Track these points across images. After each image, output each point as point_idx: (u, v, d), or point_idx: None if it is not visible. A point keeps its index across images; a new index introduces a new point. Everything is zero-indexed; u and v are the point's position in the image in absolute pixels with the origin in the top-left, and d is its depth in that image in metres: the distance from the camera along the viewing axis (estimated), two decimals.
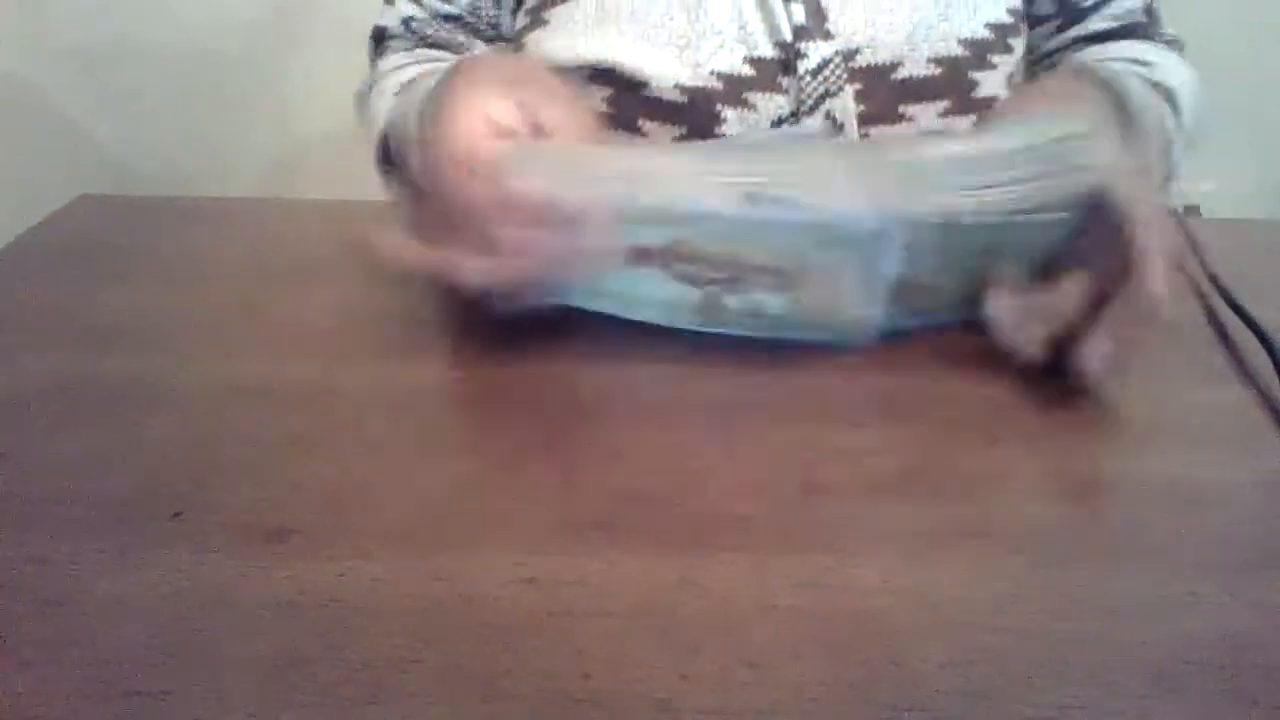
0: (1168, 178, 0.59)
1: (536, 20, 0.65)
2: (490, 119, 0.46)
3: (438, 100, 0.48)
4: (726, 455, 0.40)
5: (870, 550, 0.35)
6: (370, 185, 0.72)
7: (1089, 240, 0.43)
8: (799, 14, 0.60)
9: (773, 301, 0.45)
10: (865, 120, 0.60)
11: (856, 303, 0.45)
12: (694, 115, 0.61)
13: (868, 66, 0.61)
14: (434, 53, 0.70)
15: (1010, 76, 0.65)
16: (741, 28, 0.60)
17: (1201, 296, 0.51)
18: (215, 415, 0.42)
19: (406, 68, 0.67)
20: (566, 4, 0.63)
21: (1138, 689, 0.30)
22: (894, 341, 0.47)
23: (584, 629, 0.32)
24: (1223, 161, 0.71)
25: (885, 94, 0.60)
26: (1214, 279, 0.50)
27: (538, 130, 0.47)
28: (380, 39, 0.72)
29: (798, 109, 0.60)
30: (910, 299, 0.45)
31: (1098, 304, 0.42)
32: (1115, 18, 0.69)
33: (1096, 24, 0.70)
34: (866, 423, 0.42)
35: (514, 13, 0.70)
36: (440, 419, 0.42)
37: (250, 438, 0.41)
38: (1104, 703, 0.29)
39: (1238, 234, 0.60)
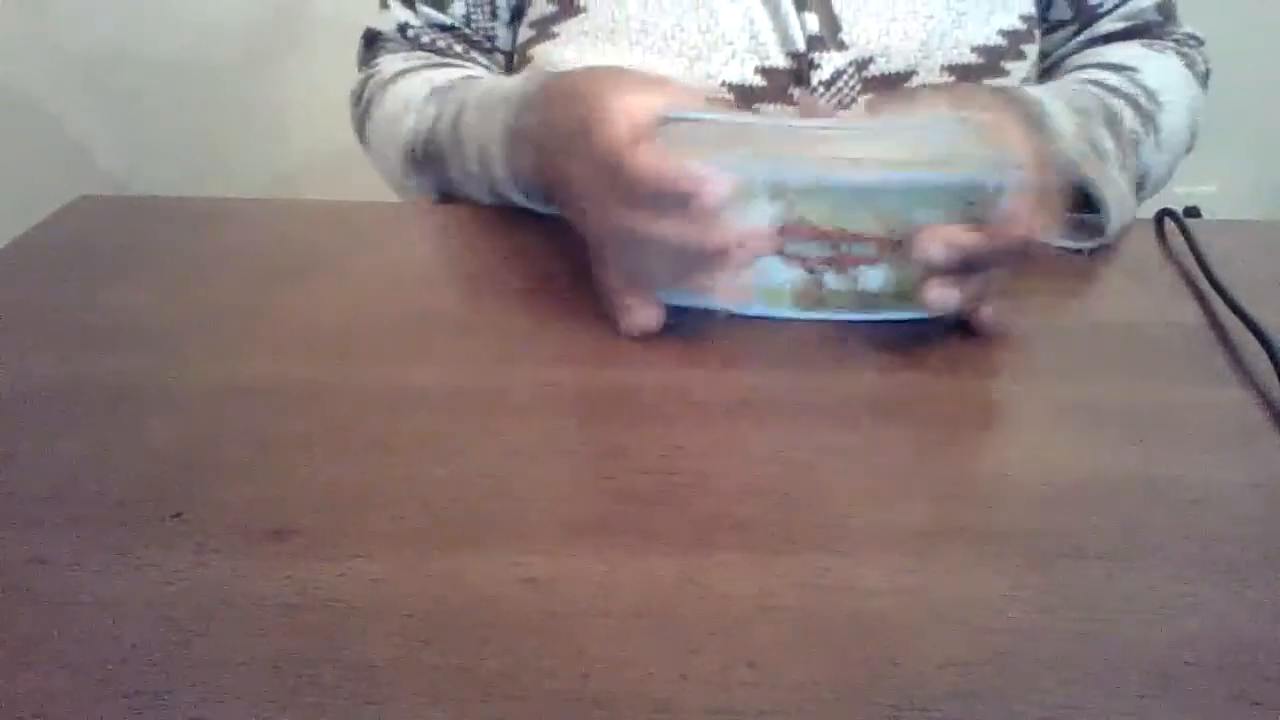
0: (1138, 175, 0.59)
1: (544, 33, 0.64)
2: (645, 107, 0.46)
3: (572, 96, 0.49)
4: (726, 455, 0.40)
5: (870, 550, 0.35)
6: (369, 186, 0.72)
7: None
8: (813, 24, 0.60)
9: (873, 276, 0.47)
10: None
11: None
12: None
13: (881, 75, 0.60)
14: (436, 57, 0.70)
15: (1024, 82, 0.65)
16: (753, 38, 0.60)
17: (1201, 297, 0.51)
18: (215, 415, 0.42)
19: (419, 70, 0.67)
20: (576, 17, 0.63)
21: (1138, 689, 0.30)
22: (894, 341, 0.47)
23: (584, 629, 0.32)
24: (1223, 162, 0.71)
25: None
26: (1214, 279, 0.50)
27: None
28: (372, 42, 0.72)
29: None
30: None
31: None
32: (1126, 18, 0.69)
33: (1106, 26, 0.69)
34: (865, 423, 0.42)
35: (510, 25, 0.70)
36: (440, 419, 0.42)
37: (250, 438, 0.41)
38: (1104, 703, 0.29)
39: (1238, 234, 0.60)
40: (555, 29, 0.64)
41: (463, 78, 0.64)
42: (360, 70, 0.72)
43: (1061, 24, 0.71)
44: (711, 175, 0.42)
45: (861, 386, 0.44)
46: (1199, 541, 0.35)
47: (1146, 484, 0.38)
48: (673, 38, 0.60)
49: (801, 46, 0.60)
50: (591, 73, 0.50)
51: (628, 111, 0.45)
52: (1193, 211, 0.69)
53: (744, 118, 0.53)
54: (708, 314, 0.47)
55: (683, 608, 0.33)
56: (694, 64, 0.60)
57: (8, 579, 0.34)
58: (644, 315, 0.47)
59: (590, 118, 0.46)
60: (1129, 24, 0.70)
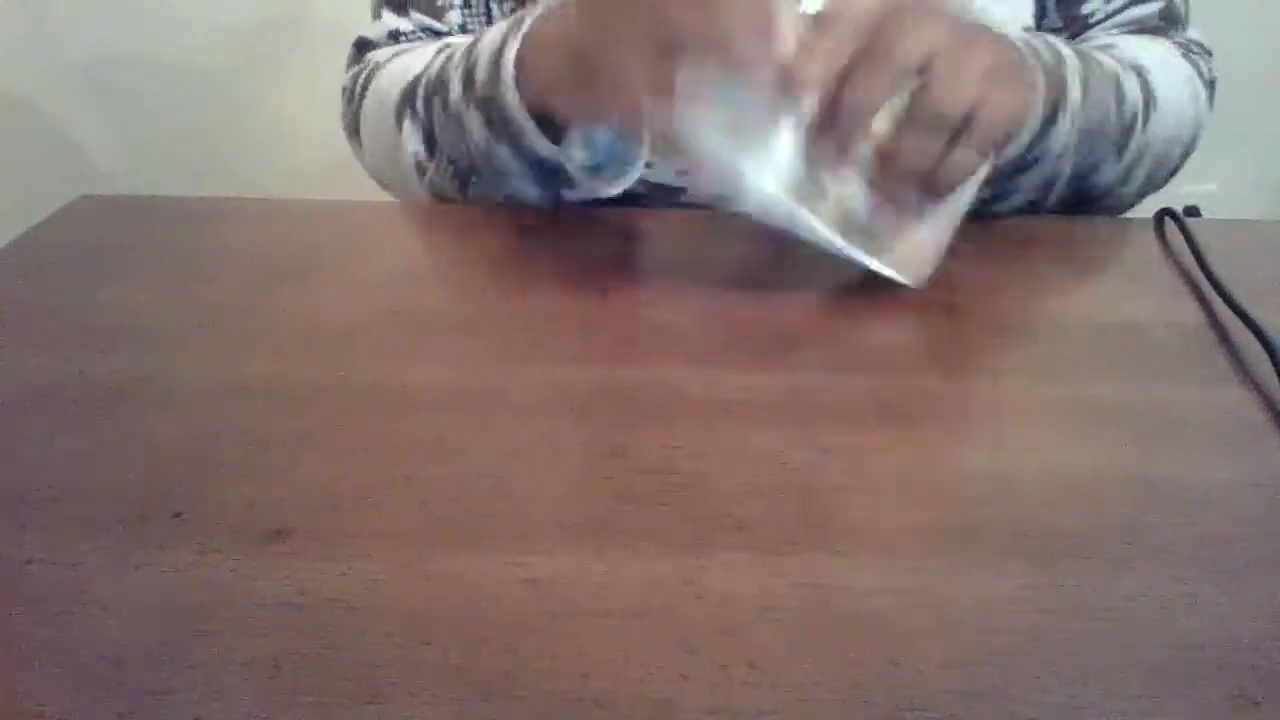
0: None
1: None
2: None
3: None
4: (726, 455, 0.40)
5: (870, 550, 0.35)
6: (369, 186, 0.72)
7: None
8: None
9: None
10: None
11: None
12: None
13: None
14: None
15: None
16: None
17: (1201, 297, 0.51)
18: (215, 415, 0.42)
19: (414, 48, 0.67)
20: None
21: (1138, 689, 0.30)
22: (894, 341, 0.47)
23: (584, 629, 0.32)
24: (1223, 161, 0.71)
25: None
26: (1214, 279, 0.50)
27: None
28: (363, 48, 0.72)
29: None
30: None
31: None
32: (1120, 25, 0.69)
33: (1101, 38, 0.69)
34: (866, 423, 0.42)
35: None
36: (440, 419, 0.42)
37: (250, 438, 0.41)
38: (1104, 703, 0.29)
39: (1238, 234, 0.60)
40: None
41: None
42: (349, 70, 0.72)
43: (1053, 32, 0.70)
44: None
45: (861, 386, 0.44)
46: (1199, 541, 0.35)
47: (1146, 484, 0.38)
48: None
49: None
50: None
51: None
52: (1193, 211, 0.69)
53: None
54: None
55: (683, 608, 0.33)
56: None
57: (8, 579, 0.34)
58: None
59: None
60: (1124, 31, 0.69)
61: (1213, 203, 0.72)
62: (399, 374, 0.45)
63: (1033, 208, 0.60)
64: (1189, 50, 0.69)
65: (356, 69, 0.71)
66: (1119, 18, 0.68)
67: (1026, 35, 0.54)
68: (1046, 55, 0.54)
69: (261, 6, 1.48)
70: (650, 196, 0.62)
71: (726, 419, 0.42)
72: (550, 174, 0.57)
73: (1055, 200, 0.60)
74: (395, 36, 0.70)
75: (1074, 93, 0.54)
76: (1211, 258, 0.52)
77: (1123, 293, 0.53)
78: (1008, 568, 0.34)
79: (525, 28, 0.54)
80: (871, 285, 0.50)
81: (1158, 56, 0.64)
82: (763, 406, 0.42)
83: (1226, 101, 0.72)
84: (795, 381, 0.44)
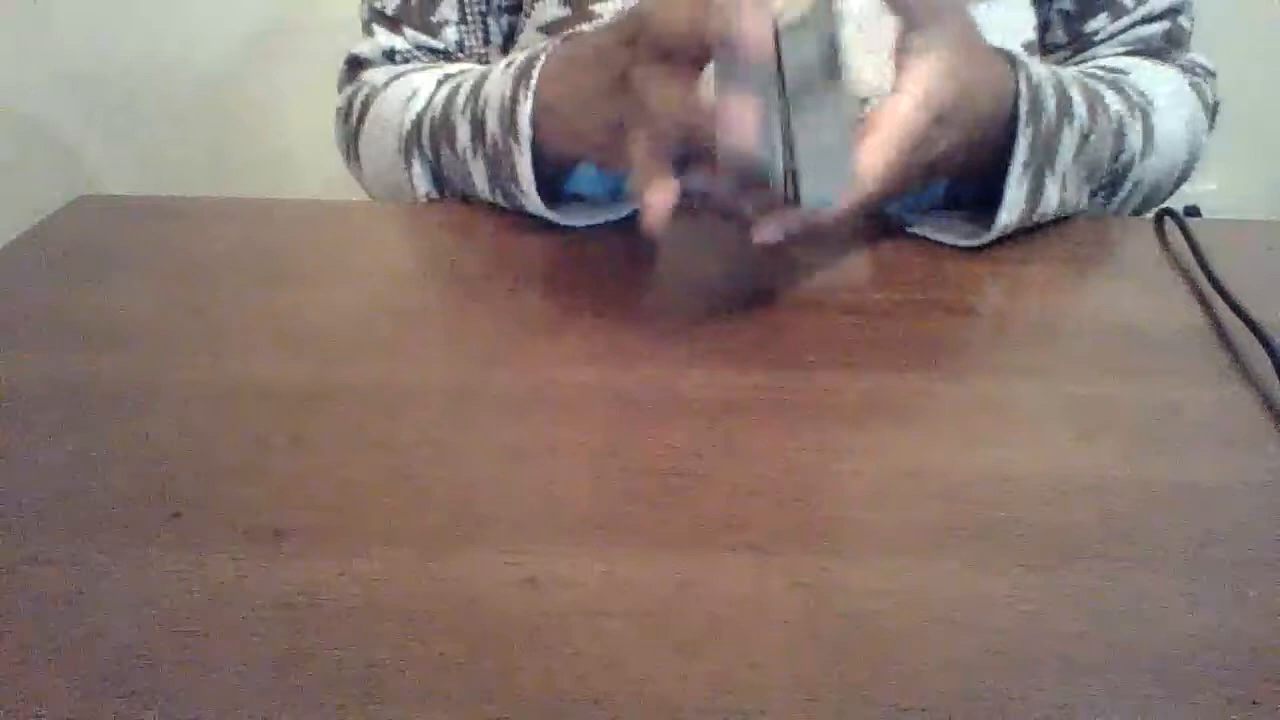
0: (1120, 163, 0.59)
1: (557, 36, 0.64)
2: None
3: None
4: (726, 455, 0.40)
5: (870, 550, 0.35)
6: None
7: None
8: None
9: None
10: None
11: None
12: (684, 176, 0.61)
13: None
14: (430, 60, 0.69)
15: None
16: None
17: (1201, 297, 0.51)
18: (215, 415, 0.42)
19: (421, 70, 0.67)
20: (590, 22, 0.62)
21: (1138, 689, 0.30)
22: (894, 341, 0.47)
23: (583, 629, 0.32)
24: (1223, 161, 0.71)
25: None
26: (1214, 279, 0.50)
27: None
28: (355, 66, 0.71)
29: None
30: None
31: None
32: (1124, 44, 0.69)
33: (1105, 53, 0.69)
34: (866, 423, 0.42)
35: (503, 48, 0.69)
36: (440, 418, 0.42)
37: (250, 438, 0.41)
38: (1104, 702, 0.29)
39: (1238, 234, 0.60)
40: (568, 33, 0.63)
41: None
42: (342, 90, 0.72)
43: (1057, 47, 0.70)
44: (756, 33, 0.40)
45: (861, 386, 0.44)
46: (1199, 541, 0.35)
47: (1146, 484, 0.38)
48: None
49: None
50: None
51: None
52: (1193, 211, 0.69)
53: None
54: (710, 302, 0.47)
55: (683, 608, 0.33)
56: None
57: (8, 579, 0.34)
58: (656, 192, 0.47)
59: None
60: (1128, 50, 0.68)
61: (1213, 203, 0.72)
62: (399, 374, 0.45)
63: None
64: (1194, 73, 0.68)
65: (351, 90, 0.70)
66: (1123, 37, 0.68)
67: (1041, 81, 0.54)
68: (1051, 106, 0.53)
69: (264, 8, 1.47)
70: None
71: (726, 419, 0.42)
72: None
73: None
74: (390, 56, 0.69)
75: (1066, 150, 0.55)
76: (1211, 258, 0.52)
77: (1123, 293, 0.53)
78: (1008, 568, 0.34)
79: (534, 82, 0.53)
80: (872, 285, 0.50)
81: (1167, 92, 0.64)
82: (763, 406, 0.42)
83: (1227, 101, 0.72)
84: (795, 381, 0.44)
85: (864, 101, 0.58)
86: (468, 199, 0.62)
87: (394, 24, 0.69)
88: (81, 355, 0.47)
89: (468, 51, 0.69)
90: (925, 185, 0.53)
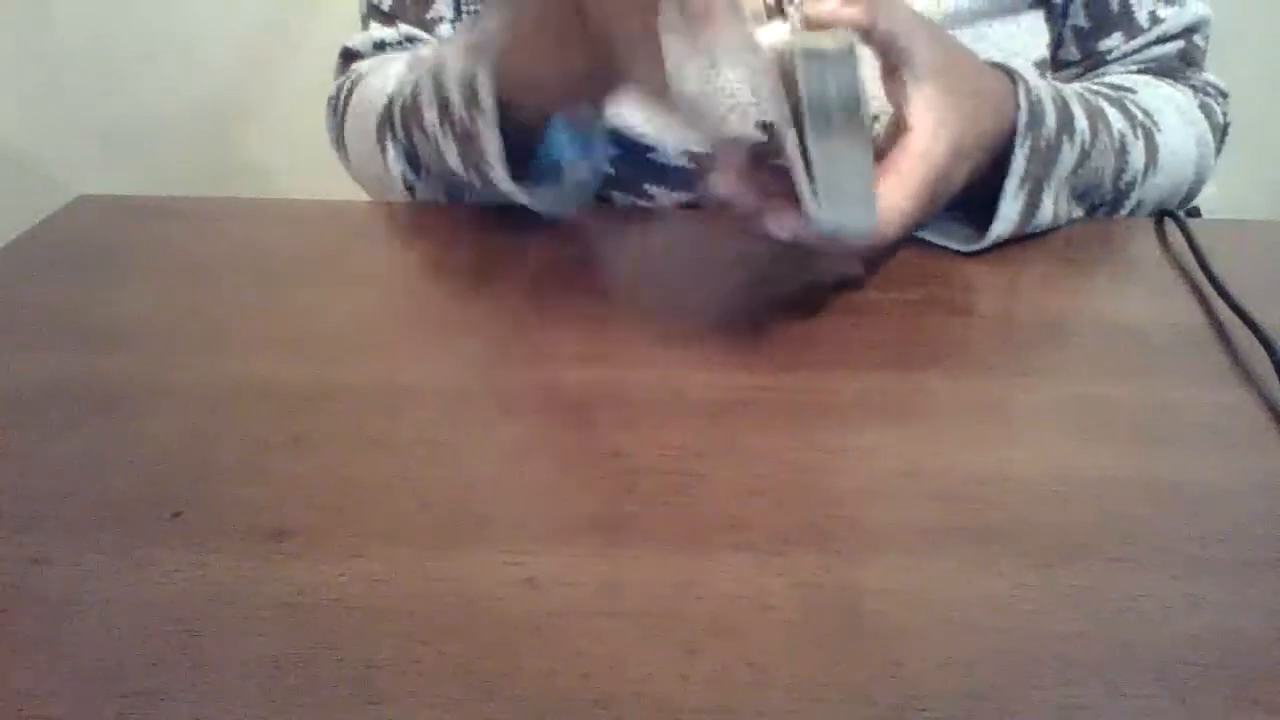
0: (1121, 179, 0.59)
1: None
2: None
3: None
4: (726, 455, 0.40)
5: (870, 550, 0.35)
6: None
7: None
8: None
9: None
10: None
11: None
12: (702, 182, 0.61)
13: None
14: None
15: None
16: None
17: (1201, 297, 0.51)
18: (215, 415, 0.42)
19: (392, 61, 0.66)
20: None
21: (1138, 689, 0.30)
22: (894, 341, 0.47)
23: (584, 629, 0.32)
24: (1223, 161, 0.70)
25: None
26: (1214, 279, 0.50)
27: None
28: (348, 59, 0.72)
29: None
30: None
31: None
32: (1139, 64, 0.67)
33: (1117, 73, 0.68)
34: (866, 423, 0.42)
35: None
36: (440, 419, 0.42)
37: (250, 438, 0.41)
38: (1104, 703, 0.29)
39: (1238, 234, 0.60)
40: None
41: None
42: (335, 81, 0.72)
43: (1069, 64, 0.70)
44: None
45: (861, 386, 0.44)
46: (1199, 541, 0.35)
47: (1146, 484, 0.38)
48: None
49: None
50: None
51: None
52: (1193, 211, 0.69)
53: None
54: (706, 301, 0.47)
55: (683, 608, 0.33)
56: None
57: (8, 579, 0.34)
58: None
59: None
60: (1141, 69, 0.68)
61: (1213, 203, 0.72)
62: (399, 374, 0.45)
63: None
64: (1205, 94, 0.68)
65: (341, 80, 0.70)
66: (1137, 56, 0.67)
67: (1041, 95, 0.53)
68: (1051, 120, 0.53)
69: (264, 9, 1.47)
70: (697, 169, 0.61)
71: (726, 419, 0.42)
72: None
73: None
74: (380, 47, 0.69)
75: (1065, 166, 0.54)
76: (1211, 258, 0.52)
77: (1123, 293, 0.53)
78: (1008, 568, 0.34)
79: (491, 55, 0.52)
80: (872, 285, 0.51)
81: (1175, 111, 0.63)
82: (763, 406, 0.42)
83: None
84: (795, 381, 0.44)
85: (874, 119, 0.58)
86: (443, 181, 0.61)
87: (388, 19, 0.69)
88: (81, 355, 0.47)
89: None
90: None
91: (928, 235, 0.55)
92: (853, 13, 0.46)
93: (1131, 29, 0.67)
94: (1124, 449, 0.40)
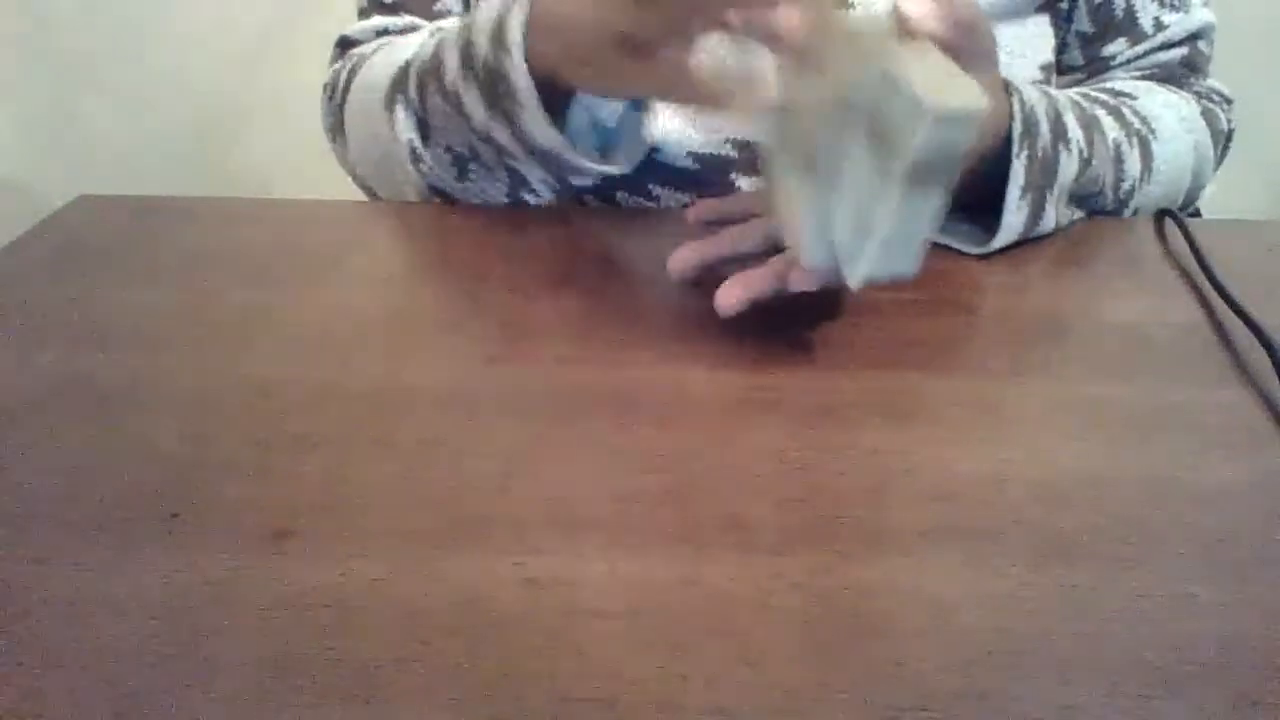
0: (1116, 185, 0.59)
1: None
2: None
3: None
4: (726, 455, 0.40)
5: (870, 550, 0.35)
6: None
7: None
8: None
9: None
10: None
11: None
12: (707, 183, 0.60)
13: None
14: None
15: None
16: None
17: (1201, 297, 0.51)
18: (215, 415, 0.42)
19: (399, 40, 0.65)
20: None
21: (1138, 689, 0.30)
22: (894, 341, 0.47)
23: (584, 629, 0.32)
24: (1224, 162, 0.71)
25: None
26: (1214, 279, 0.50)
27: None
28: (346, 46, 0.70)
29: None
30: None
31: None
32: (1142, 70, 0.67)
33: (1120, 79, 0.68)
34: (866, 423, 0.42)
35: None
36: (440, 419, 0.42)
37: (250, 438, 0.41)
38: (1104, 703, 0.29)
39: (1238, 234, 0.60)
40: None
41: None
42: (331, 68, 0.71)
43: (1072, 69, 0.70)
44: None
45: (861, 386, 0.44)
46: (1199, 541, 0.35)
47: (1146, 484, 0.38)
48: None
49: None
50: None
51: None
52: (1193, 212, 0.69)
53: None
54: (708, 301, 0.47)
55: (683, 608, 0.33)
56: (698, 119, 0.59)
57: (8, 579, 0.34)
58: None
59: None
60: (1144, 75, 0.68)
61: (1213, 203, 0.72)
62: (399, 374, 0.45)
63: None
64: (1209, 100, 0.68)
65: (339, 65, 0.68)
66: (1141, 63, 0.67)
67: (1034, 107, 0.53)
68: (1045, 131, 0.53)
69: (263, 10, 1.47)
70: (702, 170, 0.61)
71: (726, 419, 0.42)
72: (553, 158, 0.55)
73: None
74: (382, 34, 0.68)
75: (1066, 175, 0.54)
76: (1211, 258, 0.52)
77: (1123, 293, 0.53)
78: (1008, 568, 0.34)
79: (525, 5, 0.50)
80: (872, 285, 0.50)
81: (1174, 118, 0.63)
82: (763, 406, 0.42)
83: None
84: (795, 381, 0.44)
85: None
86: (452, 151, 0.59)
87: (391, 10, 0.68)
88: (82, 355, 0.47)
89: None
90: None
91: (938, 236, 0.55)
92: (937, 27, 0.42)
93: (1135, 35, 0.67)
94: (1124, 449, 0.40)
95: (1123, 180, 0.58)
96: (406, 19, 0.68)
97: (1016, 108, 0.52)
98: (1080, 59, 0.69)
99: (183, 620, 0.32)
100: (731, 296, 0.46)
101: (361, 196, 0.70)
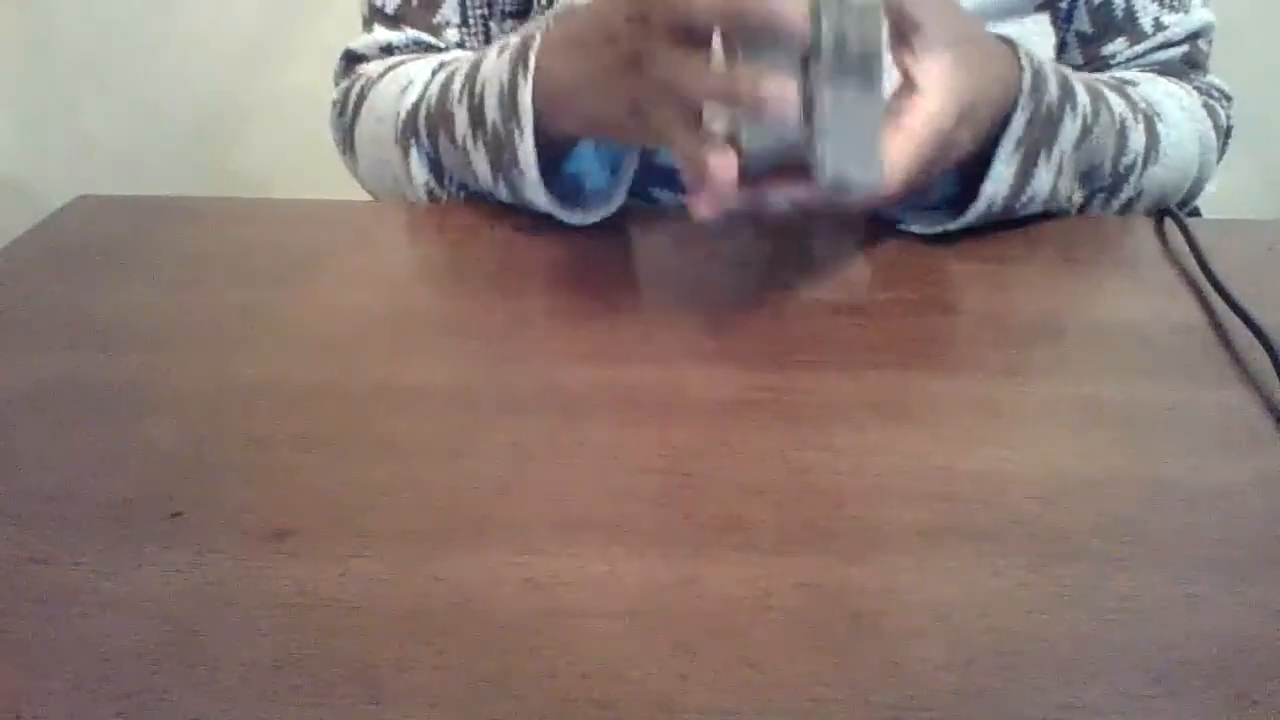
0: (1120, 164, 0.58)
1: None
2: None
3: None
4: (726, 455, 0.40)
5: (870, 550, 0.35)
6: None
7: None
8: None
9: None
10: None
11: None
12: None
13: None
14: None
15: None
16: None
17: (1201, 297, 0.51)
18: (215, 415, 0.42)
19: (416, 60, 0.66)
20: None
21: (1138, 689, 0.30)
22: (894, 341, 0.47)
23: (584, 629, 0.32)
24: (1224, 161, 0.70)
25: None
26: (1214, 279, 0.50)
27: None
28: (351, 61, 0.71)
29: None
30: None
31: None
32: (1142, 68, 0.67)
33: (1124, 73, 0.68)
34: (866, 423, 0.42)
35: None
36: (440, 419, 0.42)
37: (250, 438, 0.41)
38: (1104, 703, 0.29)
39: (1238, 234, 0.60)
40: (560, 12, 0.63)
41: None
42: (338, 84, 0.71)
43: (1072, 69, 0.70)
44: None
45: (861, 386, 0.44)
46: (1199, 541, 0.35)
47: (1146, 484, 0.38)
48: None
49: None
50: None
51: None
52: (1193, 211, 0.69)
53: None
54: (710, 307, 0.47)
55: (683, 608, 0.33)
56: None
57: (8, 579, 0.34)
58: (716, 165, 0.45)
59: None
60: (1145, 71, 0.67)
61: (1213, 203, 0.72)
62: (399, 374, 0.45)
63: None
64: (1209, 95, 0.68)
65: (347, 83, 0.69)
66: (1140, 62, 0.67)
67: (1043, 65, 0.53)
68: (1053, 89, 0.53)
69: (263, 10, 1.47)
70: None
71: (726, 419, 0.42)
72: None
73: None
74: (387, 50, 0.69)
75: (1067, 138, 0.54)
76: (1211, 258, 0.52)
77: (1123, 293, 0.53)
78: (1007, 568, 0.34)
79: (532, 64, 0.52)
80: (871, 285, 0.50)
81: (1179, 106, 0.63)
82: (763, 406, 0.42)
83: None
84: (796, 381, 0.44)
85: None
86: (466, 189, 0.61)
87: (394, 22, 0.69)
88: (82, 355, 0.47)
89: (468, 50, 0.69)
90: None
91: (923, 228, 0.55)
92: None
93: (1135, 35, 0.67)
94: (1123, 448, 0.40)
95: (1124, 154, 0.58)
96: (410, 33, 0.68)
97: (1025, 66, 0.52)
98: (1080, 59, 0.69)
99: (183, 620, 0.32)
100: (707, 204, 0.46)
101: (361, 196, 0.70)
